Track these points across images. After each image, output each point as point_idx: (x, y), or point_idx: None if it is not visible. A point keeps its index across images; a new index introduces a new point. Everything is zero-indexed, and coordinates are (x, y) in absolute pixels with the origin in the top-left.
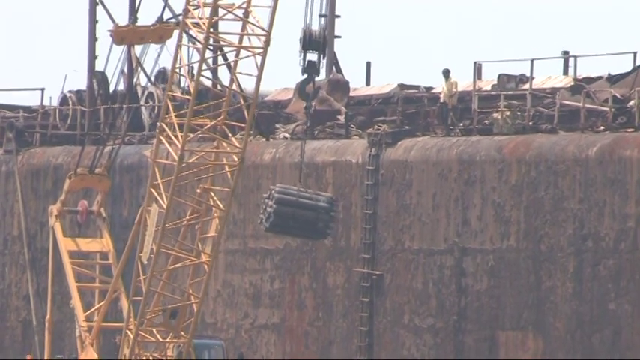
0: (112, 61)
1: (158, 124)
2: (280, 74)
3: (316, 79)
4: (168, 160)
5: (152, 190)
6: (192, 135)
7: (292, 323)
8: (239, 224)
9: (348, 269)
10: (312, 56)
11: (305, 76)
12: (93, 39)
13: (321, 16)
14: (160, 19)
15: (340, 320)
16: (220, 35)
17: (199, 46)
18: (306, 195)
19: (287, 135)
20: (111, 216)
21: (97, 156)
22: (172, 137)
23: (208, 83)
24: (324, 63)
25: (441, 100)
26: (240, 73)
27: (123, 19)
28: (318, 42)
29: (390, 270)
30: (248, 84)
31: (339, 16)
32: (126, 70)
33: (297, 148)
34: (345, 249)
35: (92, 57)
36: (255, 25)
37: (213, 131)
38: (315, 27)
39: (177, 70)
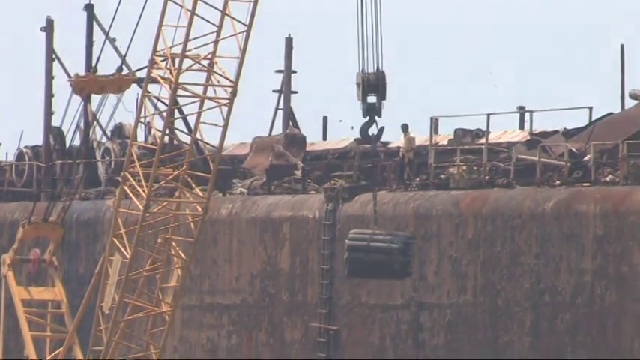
0: (68, 117)
1: (122, 173)
2: (237, 129)
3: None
4: (130, 209)
5: (114, 240)
6: (156, 185)
7: None
8: (196, 280)
9: (304, 324)
10: (372, 99)
11: (367, 119)
12: (49, 95)
13: (277, 71)
14: (120, 69)
15: None
16: (186, 86)
17: (163, 95)
18: (378, 237)
19: (244, 190)
20: (67, 272)
21: (51, 208)
22: (137, 187)
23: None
24: (383, 104)
25: (401, 155)
26: (204, 123)
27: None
28: (376, 84)
29: (347, 325)
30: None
31: (295, 72)
32: (82, 125)
33: (254, 203)
34: (302, 304)
35: (48, 113)
36: (221, 76)
37: (176, 181)
38: (370, 70)
39: (142, 120)
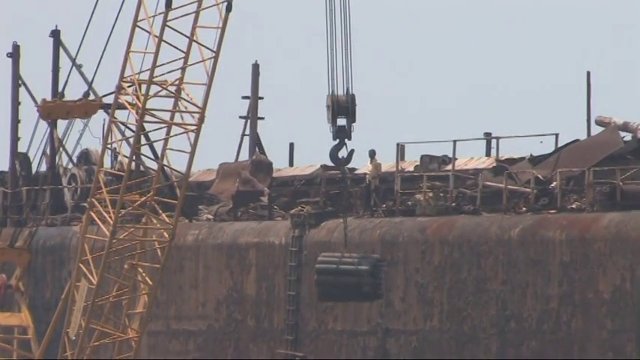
0: (34, 142)
1: (89, 199)
2: (203, 155)
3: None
4: (97, 235)
5: (81, 266)
6: (123, 211)
7: None
8: (162, 306)
9: (271, 351)
10: (341, 121)
11: (336, 141)
12: (15, 120)
13: (243, 97)
14: (87, 94)
15: None
16: (153, 112)
17: (130, 121)
18: (347, 260)
19: (210, 216)
20: (33, 297)
21: (17, 233)
22: (104, 213)
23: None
24: (353, 127)
25: (368, 181)
26: (171, 149)
27: None
28: (346, 107)
29: (314, 351)
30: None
31: (262, 98)
32: (48, 151)
33: (220, 229)
34: (268, 330)
35: (14, 138)
36: (188, 102)
37: (142, 207)
38: (340, 93)
39: (109, 146)
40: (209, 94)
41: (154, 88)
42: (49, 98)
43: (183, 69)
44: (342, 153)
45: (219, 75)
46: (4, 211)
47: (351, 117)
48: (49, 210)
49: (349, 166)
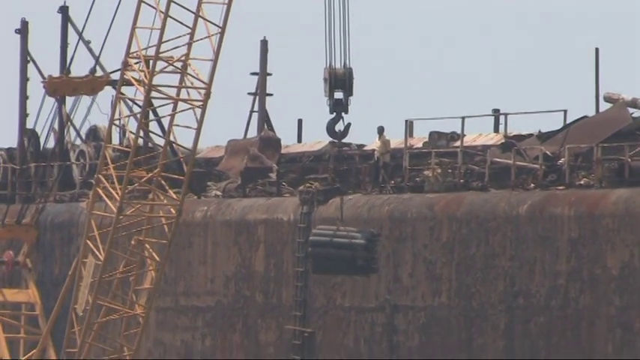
0: (42, 118)
1: (96, 175)
2: (212, 131)
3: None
4: (105, 212)
5: (88, 242)
6: (130, 187)
7: None
8: (170, 282)
9: (279, 327)
10: (339, 95)
11: (333, 115)
12: (24, 96)
13: (252, 74)
14: (93, 70)
15: None
16: (159, 88)
17: (137, 97)
18: (342, 234)
19: (219, 193)
20: (41, 274)
21: (24, 210)
22: (111, 189)
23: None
24: (350, 100)
25: (376, 157)
26: (178, 125)
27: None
28: (343, 80)
29: (322, 327)
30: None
31: (270, 74)
32: (56, 126)
33: (229, 205)
34: (276, 306)
35: (23, 115)
36: (194, 78)
37: (149, 183)
38: (338, 66)
39: (117, 122)
40: (215, 70)
41: (160, 64)
42: (57, 74)
43: (189, 45)
44: (339, 126)
45: (227, 51)
46: (12, 187)
47: (349, 90)
48: (58, 186)
49: (357, 142)
